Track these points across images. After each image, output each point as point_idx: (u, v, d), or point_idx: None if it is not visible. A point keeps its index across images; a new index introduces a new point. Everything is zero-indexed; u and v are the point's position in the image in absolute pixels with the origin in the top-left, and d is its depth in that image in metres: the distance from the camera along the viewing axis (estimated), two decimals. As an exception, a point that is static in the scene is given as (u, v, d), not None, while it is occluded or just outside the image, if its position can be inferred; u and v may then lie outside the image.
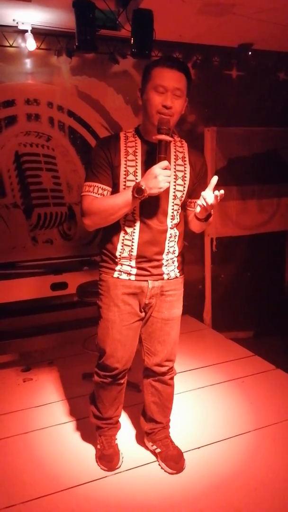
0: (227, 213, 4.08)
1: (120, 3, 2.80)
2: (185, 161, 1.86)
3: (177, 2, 2.65)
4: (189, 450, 2.18)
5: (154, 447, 2.15)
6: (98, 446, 2.15)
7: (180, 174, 1.84)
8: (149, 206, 1.79)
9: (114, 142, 1.81)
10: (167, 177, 1.66)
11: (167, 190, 1.75)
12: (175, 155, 1.85)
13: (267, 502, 1.88)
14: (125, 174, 1.78)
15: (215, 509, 1.85)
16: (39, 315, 3.56)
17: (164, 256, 1.88)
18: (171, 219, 1.86)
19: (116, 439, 2.18)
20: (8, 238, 3.43)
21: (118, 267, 1.88)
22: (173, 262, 1.93)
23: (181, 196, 1.86)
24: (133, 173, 1.78)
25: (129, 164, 1.78)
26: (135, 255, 1.85)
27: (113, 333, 1.92)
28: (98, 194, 1.79)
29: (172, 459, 2.07)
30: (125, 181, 1.78)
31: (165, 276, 1.91)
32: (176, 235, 1.91)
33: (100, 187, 1.79)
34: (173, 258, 1.92)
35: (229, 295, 4.25)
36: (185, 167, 1.86)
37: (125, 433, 2.33)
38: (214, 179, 1.67)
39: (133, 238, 1.83)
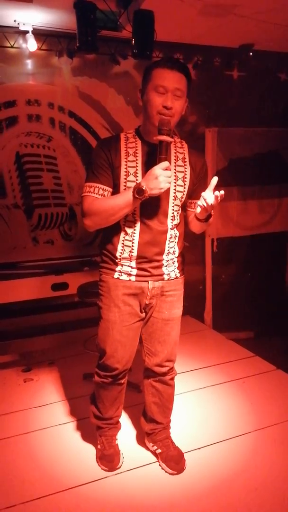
0: (228, 213, 4.08)
1: (121, 4, 2.81)
2: (185, 162, 1.87)
3: (178, 3, 2.65)
4: (190, 451, 2.18)
5: (155, 447, 2.15)
6: (99, 446, 2.15)
7: (180, 175, 1.85)
8: (149, 207, 1.80)
9: (114, 143, 1.81)
10: (168, 178, 1.66)
11: (167, 191, 1.76)
12: (175, 156, 1.85)
13: (268, 503, 1.88)
14: (125, 175, 1.78)
15: (215, 509, 1.85)
16: (40, 315, 3.56)
17: (164, 256, 1.88)
18: (172, 219, 1.86)
19: (117, 439, 2.18)
20: (9, 239, 3.43)
21: (118, 268, 1.89)
22: (173, 263, 1.93)
23: (181, 197, 1.86)
24: (133, 174, 1.78)
25: (129, 165, 1.78)
26: (136, 256, 1.85)
27: (114, 333, 1.93)
28: (99, 194, 1.79)
29: (173, 460, 2.07)
30: (125, 182, 1.78)
31: (166, 277, 1.91)
32: (176, 236, 1.91)
33: (100, 187, 1.79)
34: (173, 258, 1.93)
35: (230, 296, 4.25)
36: (185, 168, 1.86)
37: (126, 434, 2.33)
38: (214, 180, 1.67)
39: (133, 239, 1.84)
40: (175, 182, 1.83)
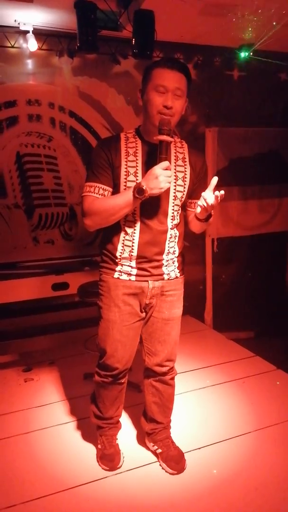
0: (228, 213, 4.08)
1: (121, 4, 2.81)
2: (185, 161, 1.87)
3: (178, 2, 2.65)
4: (190, 451, 2.18)
5: (155, 447, 2.16)
6: (99, 446, 2.15)
7: (180, 175, 1.85)
8: (149, 207, 1.80)
9: (114, 143, 1.81)
10: (168, 178, 1.66)
11: (167, 191, 1.76)
12: (175, 156, 1.85)
13: (268, 503, 1.88)
14: (125, 175, 1.78)
15: (215, 509, 1.85)
16: (40, 315, 3.56)
17: (164, 256, 1.89)
18: (172, 219, 1.86)
19: (117, 439, 2.18)
20: (9, 238, 3.44)
21: (118, 268, 1.89)
22: (173, 262, 1.93)
23: (181, 197, 1.86)
24: (133, 174, 1.78)
25: (129, 165, 1.78)
26: (135, 256, 1.85)
27: (114, 333, 1.93)
28: (99, 194, 1.79)
29: (173, 460, 2.07)
30: (125, 182, 1.78)
31: (165, 276, 1.91)
32: (176, 236, 1.91)
33: (100, 187, 1.79)
34: (173, 258, 1.93)
35: (230, 296, 4.25)
36: (185, 168, 1.86)
37: (126, 434, 2.33)
38: (214, 180, 1.67)
39: (133, 239, 1.84)
40: (175, 182, 1.83)
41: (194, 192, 1.89)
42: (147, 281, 1.88)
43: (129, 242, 1.85)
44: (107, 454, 2.09)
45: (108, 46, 3.31)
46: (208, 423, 2.45)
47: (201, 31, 3.26)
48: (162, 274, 1.90)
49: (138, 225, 1.83)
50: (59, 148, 3.47)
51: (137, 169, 1.79)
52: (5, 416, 2.53)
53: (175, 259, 1.94)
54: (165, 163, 1.65)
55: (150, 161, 1.76)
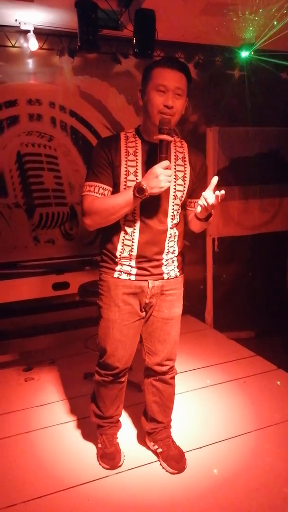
0: (229, 213, 4.07)
1: (122, 3, 2.81)
2: (185, 161, 1.87)
3: (179, 2, 2.65)
4: (191, 450, 2.18)
5: (156, 446, 2.16)
6: (99, 445, 2.15)
7: (180, 174, 1.85)
8: (149, 206, 1.80)
9: (114, 142, 1.81)
10: (168, 177, 1.66)
11: (167, 190, 1.76)
12: (175, 155, 1.85)
13: (269, 503, 1.88)
14: (125, 174, 1.78)
15: (216, 509, 1.85)
16: (40, 314, 3.57)
17: (164, 256, 1.88)
18: (171, 219, 1.86)
19: (117, 438, 2.19)
20: (10, 238, 3.44)
21: (118, 267, 1.89)
22: (173, 262, 1.93)
23: (181, 196, 1.86)
24: (133, 173, 1.78)
25: (129, 164, 1.78)
26: (135, 255, 1.85)
27: (114, 332, 1.93)
28: (99, 193, 1.79)
29: (174, 459, 2.07)
30: (125, 181, 1.78)
31: (165, 276, 1.91)
32: (176, 235, 1.91)
33: (101, 186, 1.79)
34: (173, 257, 1.93)
35: (231, 295, 4.25)
36: (185, 167, 1.86)
37: (127, 433, 2.33)
38: (215, 180, 1.67)
39: (133, 238, 1.84)
40: (175, 181, 1.83)
41: (194, 191, 1.89)
42: (147, 280, 1.88)
43: (129, 241, 1.85)
44: (107, 453, 2.09)
45: (109, 46, 3.31)
46: (208, 423, 2.45)
47: (202, 31, 3.25)
48: (161, 274, 1.90)
49: (138, 224, 1.83)
50: (60, 148, 3.47)
51: (137, 169, 1.78)
52: (6, 416, 2.53)
53: (175, 259, 1.94)
54: (165, 163, 1.65)
55: (150, 161, 1.75)
